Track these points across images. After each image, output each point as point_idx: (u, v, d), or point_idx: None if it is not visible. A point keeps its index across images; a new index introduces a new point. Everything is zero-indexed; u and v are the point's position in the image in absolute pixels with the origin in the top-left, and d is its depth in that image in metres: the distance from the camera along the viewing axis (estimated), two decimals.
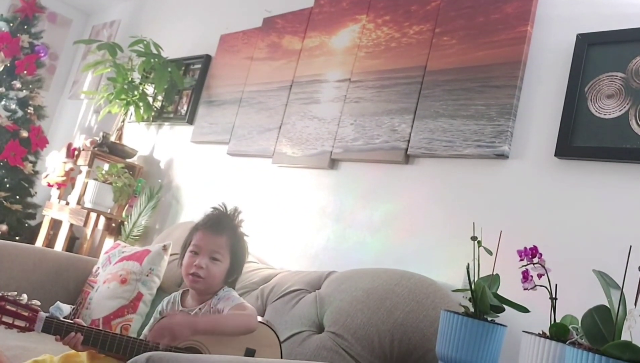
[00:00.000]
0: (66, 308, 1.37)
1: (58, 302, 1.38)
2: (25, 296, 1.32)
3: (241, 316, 1.37)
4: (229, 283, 1.53)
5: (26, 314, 1.29)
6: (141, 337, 1.45)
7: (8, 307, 1.28)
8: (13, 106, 3.84)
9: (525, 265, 1.08)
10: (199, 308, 1.46)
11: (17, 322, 1.29)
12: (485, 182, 1.65)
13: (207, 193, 2.68)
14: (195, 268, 1.46)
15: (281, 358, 1.40)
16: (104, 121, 3.63)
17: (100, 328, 1.39)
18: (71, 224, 2.98)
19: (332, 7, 2.37)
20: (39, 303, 1.33)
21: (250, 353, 1.35)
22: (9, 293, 1.30)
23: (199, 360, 1.01)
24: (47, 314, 1.32)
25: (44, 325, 1.30)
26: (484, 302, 1.15)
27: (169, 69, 3.03)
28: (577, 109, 1.48)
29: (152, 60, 3.08)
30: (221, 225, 1.52)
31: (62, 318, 1.34)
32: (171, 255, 2.14)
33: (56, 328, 1.32)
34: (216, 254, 1.48)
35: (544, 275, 1.06)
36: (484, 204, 1.63)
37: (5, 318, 1.28)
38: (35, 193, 3.89)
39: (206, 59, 3.07)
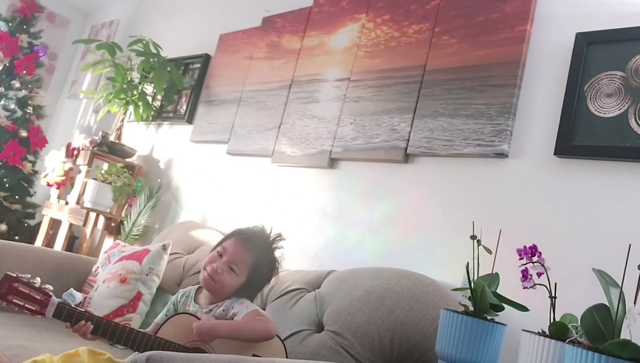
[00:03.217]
0: (79, 296, 1.34)
1: (71, 289, 1.35)
2: (38, 279, 1.28)
3: (260, 321, 1.36)
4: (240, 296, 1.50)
5: (38, 297, 1.26)
6: (149, 328, 1.45)
7: (21, 289, 1.25)
8: (12, 106, 3.84)
9: (524, 264, 1.08)
10: (210, 309, 1.45)
11: (28, 305, 1.26)
12: (485, 181, 1.65)
13: (207, 192, 2.68)
14: (212, 268, 1.45)
15: None
16: (103, 121, 3.63)
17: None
18: (71, 224, 2.98)
19: (331, 6, 2.37)
20: (51, 287, 1.30)
21: None
22: (23, 275, 1.27)
23: (197, 359, 1.01)
24: (59, 300, 1.29)
25: (55, 311, 1.28)
26: (484, 301, 1.16)
27: (168, 69, 3.03)
28: (576, 108, 1.48)
29: (151, 59, 3.08)
30: (252, 243, 1.49)
31: (74, 306, 1.32)
32: (171, 254, 2.13)
33: (67, 315, 1.29)
34: (235, 266, 1.45)
35: (543, 273, 1.06)
36: (483, 203, 1.63)
37: (16, 299, 1.25)
38: (35, 192, 3.89)
39: (205, 59, 3.07)
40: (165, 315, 1.51)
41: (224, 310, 1.43)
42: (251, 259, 1.47)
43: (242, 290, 1.47)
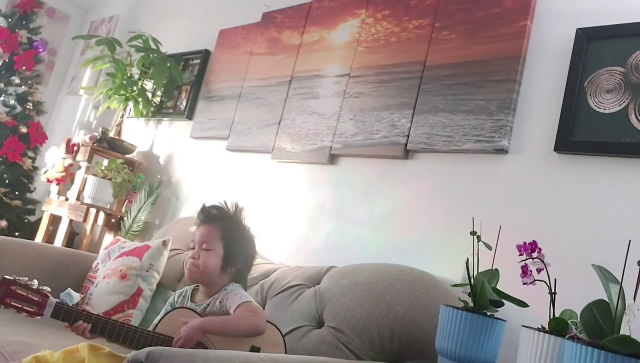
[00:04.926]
0: (76, 296, 1.38)
1: (69, 289, 1.38)
2: (35, 281, 1.31)
3: (249, 317, 1.36)
4: (234, 276, 1.51)
5: (36, 299, 1.29)
6: (149, 328, 1.46)
7: (18, 291, 1.28)
8: (12, 102, 3.83)
9: (524, 260, 1.08)
10: (207, 304, 1.46)
11: (26, 307, 1.28)
12: (485, 177, 1.65)
13: (207, 188, 2.68)
14: (191, 260, 1.49)
15: None
16: (103, 117, 3.62)
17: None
18: (71, 220, 2.98)
19: (331, 1, 2.36)
20: (49, 289, 1.32)
21: (255, 351, 1.35)
22: (20, 277, 1.30)
23: (197, 355, 1.01)
24: (57, 300, 1.32)
25: (54, 311, 1.30)
26: (484, 297, 1.16)
27: (168, 64, 3.03)
28: (576, 104, 1.48)
29: (151, 55, 3.07)
30: (210, 216, 1.53)
31: (71, 305, 1.33)
32: (171, 250, 2.14)
33: (65, 315, 1.31)
34: (206, 244, 1.49)
35: (543, 269, 1.06)
36: (483, 199, 1.63)
37: (14, 302, 1.27)
38: (35, 188, 3.89)
39: (205, 54, 3.06)
40: None
41: (220, 302, 1.44)
42: (217, 230, 1.50)
43: (226, 262, 1.48)
